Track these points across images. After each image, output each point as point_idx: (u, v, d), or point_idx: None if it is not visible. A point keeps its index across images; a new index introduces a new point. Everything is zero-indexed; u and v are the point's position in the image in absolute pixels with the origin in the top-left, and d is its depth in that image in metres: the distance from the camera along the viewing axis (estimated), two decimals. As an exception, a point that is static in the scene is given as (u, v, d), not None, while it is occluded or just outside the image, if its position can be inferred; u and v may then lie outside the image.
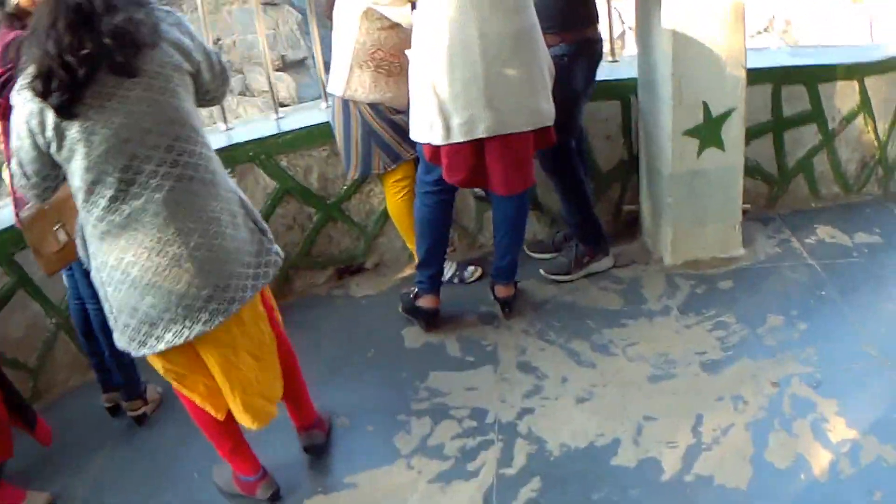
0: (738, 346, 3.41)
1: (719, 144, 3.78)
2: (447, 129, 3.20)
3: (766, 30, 14.76)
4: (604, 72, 4.00)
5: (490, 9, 3.07)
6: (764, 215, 4.37)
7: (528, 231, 4.09)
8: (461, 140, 3.21)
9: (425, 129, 3.27)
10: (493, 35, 3.10)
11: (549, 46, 3.41)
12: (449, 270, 4.01)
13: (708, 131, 3.73)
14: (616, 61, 4.50)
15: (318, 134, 4.01)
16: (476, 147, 3.24)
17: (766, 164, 4.30)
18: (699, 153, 3.78)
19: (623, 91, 4.12)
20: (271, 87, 4.54)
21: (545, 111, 3.28)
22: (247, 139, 3.99)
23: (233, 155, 3.85)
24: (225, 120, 4.19)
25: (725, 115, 3.72)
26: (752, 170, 4.24)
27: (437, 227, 3.60)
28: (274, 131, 4.06)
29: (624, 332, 3.60)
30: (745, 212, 4.12)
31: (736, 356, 3.35)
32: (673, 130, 3.71)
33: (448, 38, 3.10)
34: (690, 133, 3.72)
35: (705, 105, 3.69)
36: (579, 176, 3.80)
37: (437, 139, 3.23)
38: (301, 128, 4.06)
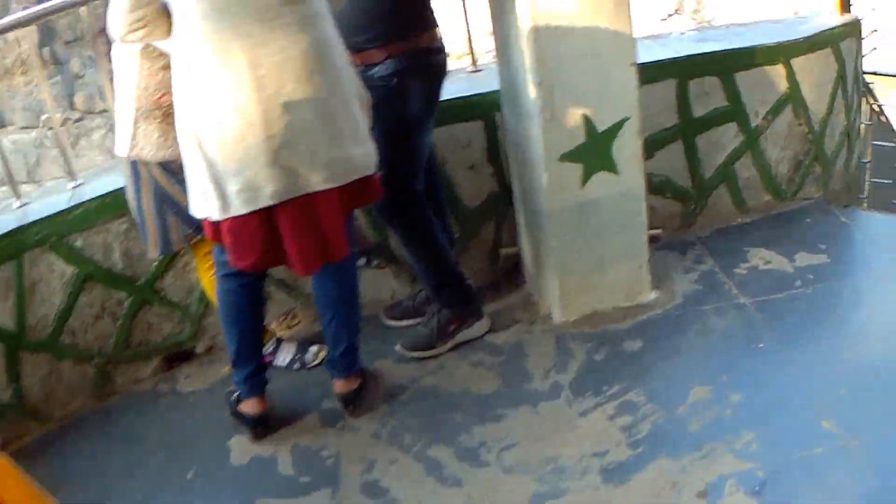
0: (650, 438, 2.58)
1: (610, 167, 2.93)
2: (223, 198, 2.37)
3: (676, 12, 14.16)
4: (461, 85, 3.16)
5: (261, 26, 2.22)
6: (680, 241, 3.54)
7: (385, 289, 3.29)
8: (243, 212, 2.36)
9: (199, 199, 2.46)
10: (269, 63, 2.25)
11: (370, 65, 2.68)
12: (287, 354, 3.23)
13: (593, 152, 2.89)
14: (478, 70, 3.60)
15: (114, 203, 3.15)
16: (265, 217, 2.37)
17: (678, 178, 3.46)
18: (584, 181, 2.93)
19: (486, 108, 3.25)
20: (64, 155, 3.65)
21: (358, 158, 2.43)
22: (35, 218, 3.16)
23: (18, 241, 3.08)
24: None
25: (615, 128, 2.88)
26: (660, 187, 3.41)
27: (245, 317, 2.78)
28: (64, 205, 3.19)
29: (500, 428, 2.76)
30: (655, 239, 3.30)
31: (648, 455, 2.51)
32: (546, 155, 2.86)
33: (208, 73, 2.26)
34: (570, 157, 2.88)
35: (586, 119, 2.84)
36: (429, 225, 2.96)
37: (214, 213, 2.41)
38: (91, 199, 3.19)
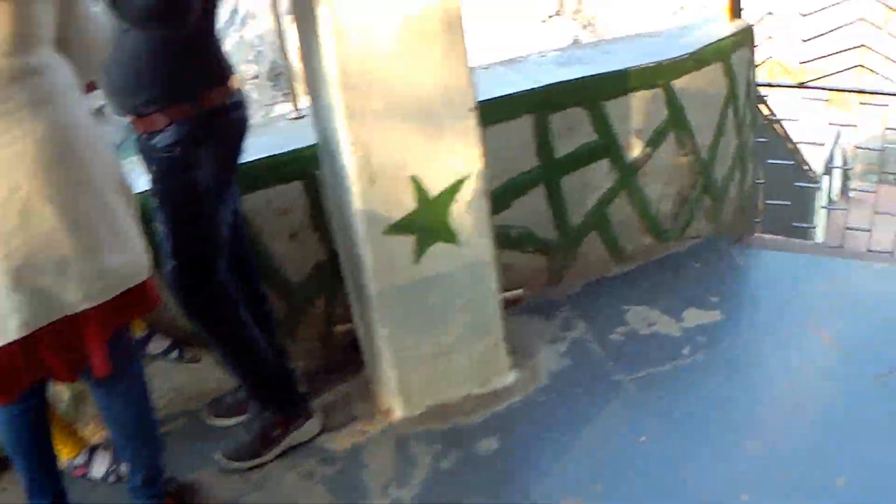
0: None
1: (449, 237, 2.37)
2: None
3: (557, 13, 13.78)
4: (277, 138, 2.66)
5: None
6: (546, 301, 3.01)
7: (209, 381, 2.72)
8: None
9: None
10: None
11: (152, 133, 2.10)
12: (102, 465, 2.61)
13: (427, 221, 2.33)
14: (300, 117, 2.95)
15: None
16: (20, 342, 1.78)
17: (541, 228, 2.92)
18: (419, 255, 2.37)
19: (305, 164, 2.63)
20: None
21: (122, 268, 1.87)
22: None
23: None
24: None
25: (451, 190, 2.33)
26: (520, 240, 2.87)
27: (33, 445, 2.17)
28: None
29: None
30: (515, 302, 2.79)
31: None
32: (368, 229, 2.29)
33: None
34: (398, 229, 2.31)
35: (415, 182, 2.28)
36: (236, 320, 2.37)
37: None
38: None
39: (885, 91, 3.78)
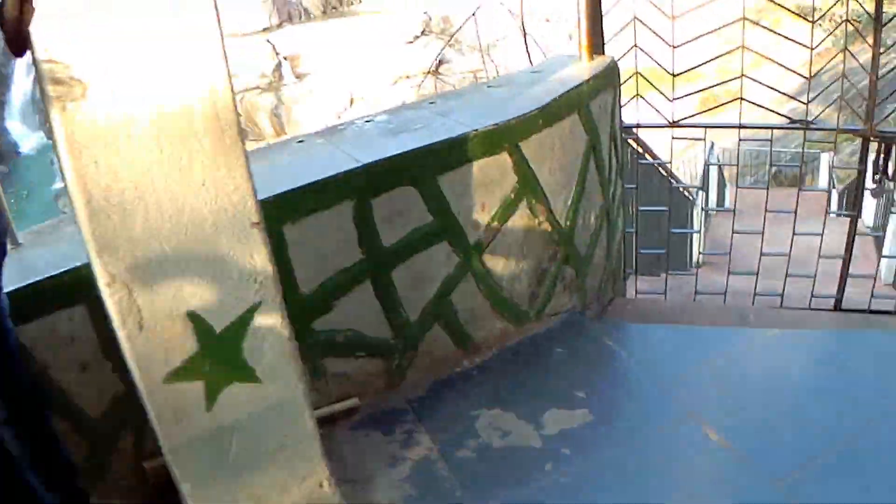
0: None
1: (246, 376, 1.89)
2: None
3: (423, 33, 13.62)
4: (59, 251, 2.15)
5: None
6: (386, 409, 2.54)
7: None
8: None
9: None
10: None
11: None
12: None
13: (216, 361, 1.84)
14: None
15: None
16: None
17: (372, 328, 2.45)
18: (211, 402, 1.89)
19: (88, 284, 2.07)
20: None
21: None
22: None
23: None
24: None
25: (242, 322, 1.84)
26: (347, 346, 2.41)
27: None
28: None
29: None
30: (350, 413, 2.29)
31: None
32: (146, 379, 1.81)
33: None
34: (181, 376, 1.82)
35: (195, 319, 1.77)
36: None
37: None
38: None
39: (765, 125, 3.49)
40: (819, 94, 3.48)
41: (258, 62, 24.11)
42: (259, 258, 1.82)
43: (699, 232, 8.33)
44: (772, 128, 3.52)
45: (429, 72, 6.10)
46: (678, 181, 7.20)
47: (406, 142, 2.37)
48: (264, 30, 24.66)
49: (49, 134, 1.98)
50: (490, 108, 2.60)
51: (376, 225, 2.30)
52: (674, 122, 3.42)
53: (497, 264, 2.59)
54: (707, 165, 8.85)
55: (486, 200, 2.48)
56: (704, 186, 9.20)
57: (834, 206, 12.43)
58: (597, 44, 3.09)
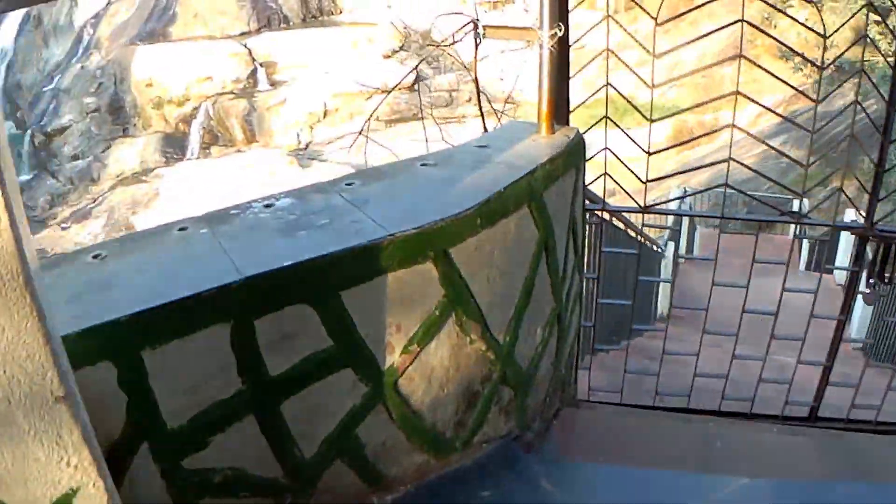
0: None
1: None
2: None
3: (402, 48, 13.67)
4: None
5: None
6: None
7: None
8: None
9: None
10: None
11: None
12: None
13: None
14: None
15: None
16: None
17: (259, 466, 1.99)
18: None
19: None
20: None
21: None
22: None
23: None
24: None
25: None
26: (227, 485, 1.94)
27: None
28: None
29: None
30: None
31: None
32: None
33: None
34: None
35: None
36: None
37: None
38: None
39: (753, 217, 3.05)
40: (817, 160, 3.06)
41: (234, 66, 23.65)
42: (72, 438, 1.37)
43: (669, 281, 7.95)
44: (759, 220, 3.08)
45: (395, 88, 5.69)
46: (648, 239, 6.79)
47: (304, 245, 1.90)
48: (242, 34, 24.20)
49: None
50: (417, 201, 2.15)
51: (260, 350, 1.84)
52: (646, 206, 2.98)
53: (416, 391, 2.13)
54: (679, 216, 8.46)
55: (401, 321, 2.02)
56: (675, 237, 8.81)
57: (805, 255, 12.10)
58: (559, 114, 2.66)
